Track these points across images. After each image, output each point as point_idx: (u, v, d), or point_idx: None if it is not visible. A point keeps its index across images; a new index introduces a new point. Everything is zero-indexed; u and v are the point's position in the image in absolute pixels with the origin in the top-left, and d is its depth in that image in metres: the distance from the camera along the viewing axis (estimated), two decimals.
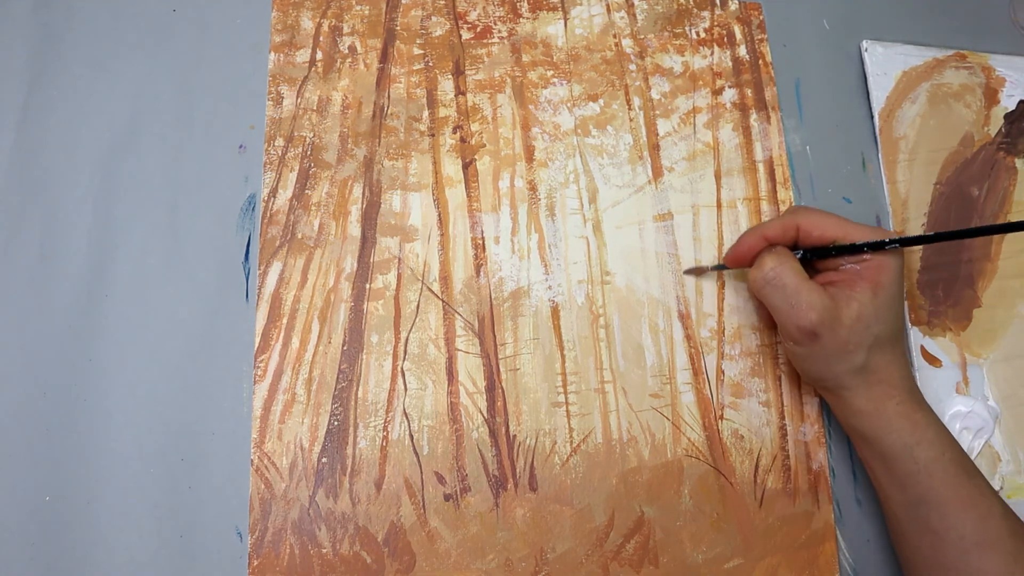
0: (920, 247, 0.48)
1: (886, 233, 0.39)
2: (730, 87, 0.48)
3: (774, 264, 0.39)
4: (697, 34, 0.49)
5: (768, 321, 0.44)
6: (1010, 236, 0.49)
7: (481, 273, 0.42)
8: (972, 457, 0.45)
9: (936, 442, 0.37)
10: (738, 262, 0.42)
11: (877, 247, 0.39)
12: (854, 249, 0.39)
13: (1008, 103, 0.52)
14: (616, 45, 0.48)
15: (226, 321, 0.40)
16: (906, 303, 0.47)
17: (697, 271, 0.45)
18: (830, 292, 0.38)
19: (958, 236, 0.39)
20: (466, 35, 0.46)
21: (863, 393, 0.38)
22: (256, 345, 0.39)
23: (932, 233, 0.38)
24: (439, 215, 0.43)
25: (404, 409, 0.40)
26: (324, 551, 0.37)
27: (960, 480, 0.36)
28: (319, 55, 0.44)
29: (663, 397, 0.42)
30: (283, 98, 0.43)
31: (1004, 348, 0.47)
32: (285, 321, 0.40)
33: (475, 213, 0.43)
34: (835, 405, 0.40)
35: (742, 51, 0.49)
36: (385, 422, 0.39)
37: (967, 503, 0.36)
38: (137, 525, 0.36)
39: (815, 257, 0.40)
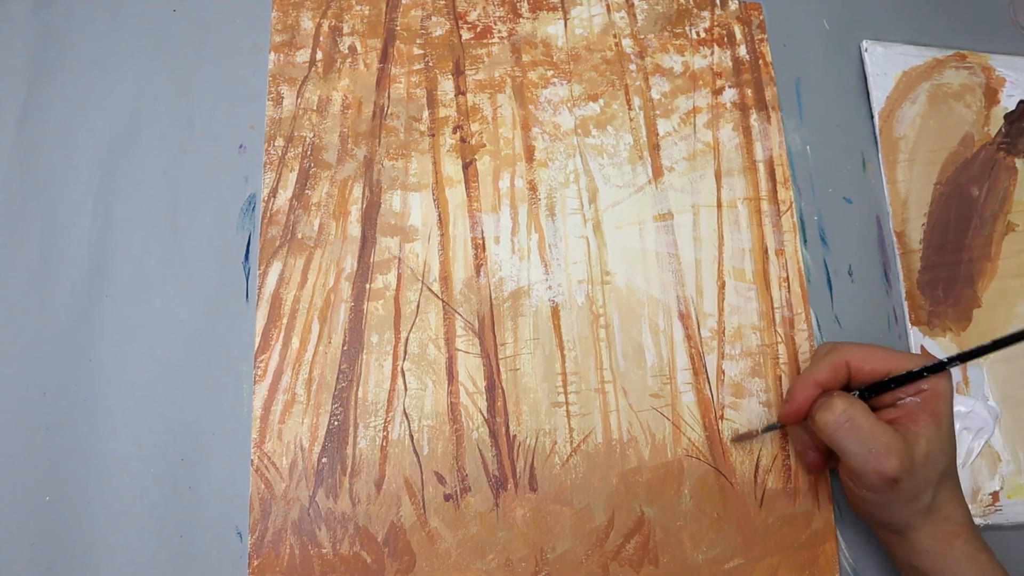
0: (920, 257, 0.48)
1: (934, 358, 0.37)
2: (730, 87, 0.48)
3: (845, 407, 0.36)
4: (697, 34, 0.49)
5: (768, 320, 0.44)
6: (1010, 236, 0.49)
7: (481, 273, 0.42)
8: (972, 457, 0.45)
9: None
10: (797, 417, 0.39)
11: (936, 369, 0.37)
12: (912, 377, 0.37)
13: (1008, 103, 0.52)
14: (616, 45, 0.48)
15: (226, 321, 0.40)
16: (906, 304, 0.47)
17: (748, 436, 0.42)
18: (898, 428, 0.36)
19: (1010, 343, 0.36)
20: (466, 35, 0.46)
21: (930, 532, 0.37)
22: (256, 345, 0.39)
23: (989, 342, 0.36)
24: (439, 215, 0.43)
25: (404, 409, 0.40)
26: (324, 551, 0.37)
27: None
28: (319, 55, 0.44)
29: (663, 397, 0.42)
30: (283, 98, 0.43)
31: (1004, 348, 0.47)
32: (285, 321, 0.40)
33: (475, 213, 0.43)
34: (897, 546, 0.38)
35: (742, 51, 0.49)
36: (385, 422, 0.39)
37: None
38: (137, 525, 0.36)
39: (872, 394, 0.38)
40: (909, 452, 0.36)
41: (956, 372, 0.46)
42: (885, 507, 0.37)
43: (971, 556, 0.36)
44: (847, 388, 0.39)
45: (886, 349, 0.39)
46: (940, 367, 0.37)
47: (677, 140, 0.47)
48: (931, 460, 0.36)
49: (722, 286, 0.45)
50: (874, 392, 0.38)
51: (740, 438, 0.42)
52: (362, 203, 0.42)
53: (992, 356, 0.47)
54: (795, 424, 0.40)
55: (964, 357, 0.37)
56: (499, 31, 0.47)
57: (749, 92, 0.48)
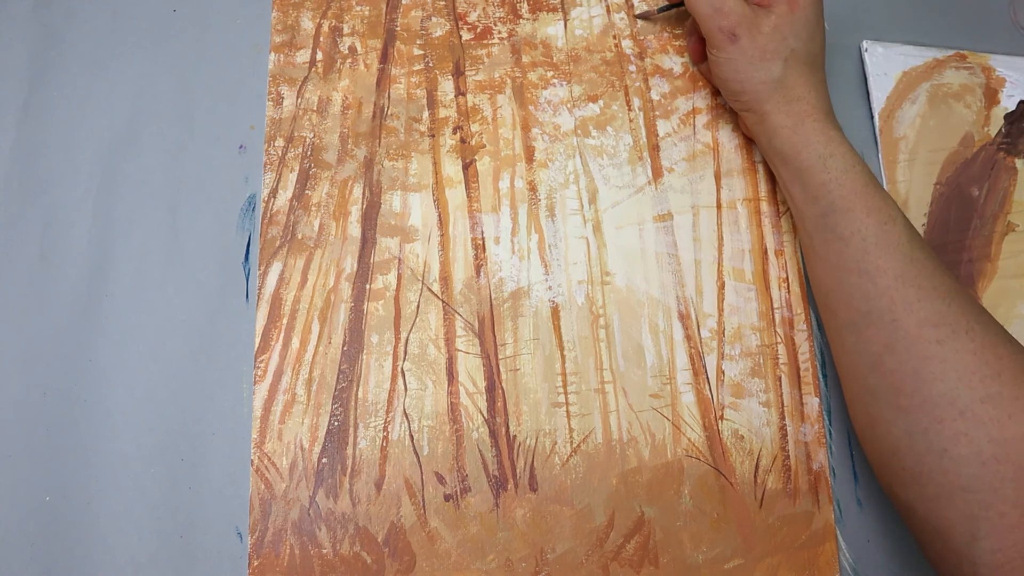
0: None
1: None
2: None
3: None
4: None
5: (768, 320, 0.44)
6: (1010, 236, 0.49)
7: (481, 273, 0.42)
8: None
9: (848, 155, 0.40)
10: None
11: None
12: None
13: (1008, 103, 0.52)
14: (616, 46, 0.48)
15: (226, 321, 0.40)
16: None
17: (647, 15, 0.48)
18: (752, 7, 0.42)
19: None
20: (466, 36, 0.46)
21: (782, 108, 0.41)
22: (256, 345, 0.39)
23: None
24: (439, 215, 0.43)
25: (404, 409, 0.40)
26: (324, 551, 0.37)
27: (868, 190, 0.39)
28: (319, 55, 0.44)
29: (663, 397, 0.42)
30: (283, 98, 0.43)
31: None
32: (285, 321, 0.40)
33: (475, 214, 0.43)
34: (758, 128, 0.43)
35: None
36: (385, 422, 0.39)
37: (871, 209, 0.38)
38: (137, 525, 0.36)
39: None
40: (753, 18, 0.41)
41: None
42: (732, 67, 0.42)
43: (820, 131, 0.40)
44: None
45: None
46: None
47: (677, 141, 0.47)
48: (778, 33, 0.41)
49: (722, 286, 0.45)
50: None
51: (642, 15, 0.48)
52: (362, 203, 0.42)
53: None
54: (676, 1, 0.46)
55: None
56: (499, 32, 0.47)
57: None
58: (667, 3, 0.47)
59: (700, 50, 0.46)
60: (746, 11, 0.41)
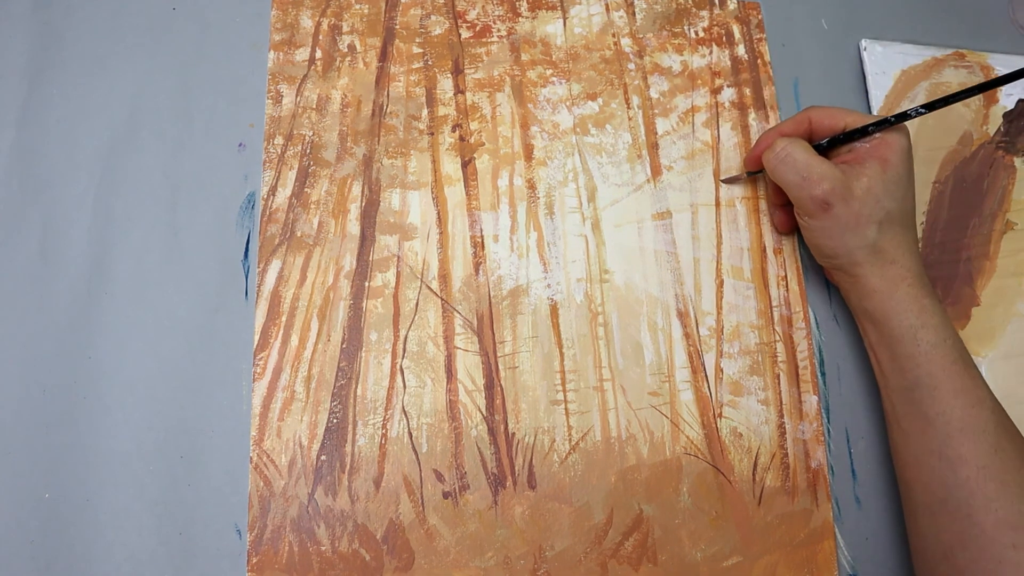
0: (922, 239, 0.48)
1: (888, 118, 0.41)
2: (729, 86, 0.48)
3: (784, 144, 0.41)
4: (696, 33, 0.49)
5: (767, 318, 0.44)
6: (1008, 234, 0.50)
7: (480, 271, 0.42)
8: None
9: (940, 328, 0.38)
10: (755, 162, 0.44)
11: (882, 124, 0.40)
12: (862, 132, 0.40)
13: (1007, 102, 0.52)
14: (615, 44, 0.48)
15: (225, 319, 0.40)
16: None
17: (732, 180, 0.46)
18: (841, 168, 0.40)
19: (953, 100, 0.40)
20: (465, 34, 0.46)
21: (877, 272, 0.39)
22: (255, 343, 0.39)
23: (928, 102, 0.40)
24: (438, 213, 0.43)
25: (403, 407, 0.40)
26: (323, 549, 0.37)
27: (956, 368, 0.37)
28: (318, 54, 0.44)
29: (662, 395, 0.42)
30: (282, 96, 0.43)
31: (1003, 346, 0.47)
32: (284, 319, 0.40)
33: (474, 211, 0.43)
34: (849, 286, 0.41)
35: (741, 50, 0.49)
36: (384, 420, 0.39)
37: (959, 390, 0.37)
38: (136, 522, 0.36)
39: (829, 146, 0.42)
40: (845, 183, 0.39)
41: None
42: (826, 234, 0.40)
43: (914, 298, 0.39)
44: (809, 141, 0.42)
45: (850, 110, 0.42)
46: (885, 122, 0.40)
47: (676, 139, 0.47)
48: (871, 196, 0.39)
49: (720, 284, 0.45)
50: (830, 144, 0.42)
51: (728, 180, 0.46)
52: (361, 201, 0.42)
53: (991, 354, 0.47)
54: (755, 169, 0.44)
55: (900, 117, 0.40)
56: (498, 30, 0.47)
57: (748, 91, 0.48)
58: (748, 170, 0.46)
59: (786, 220, 0.45)
60: (836, 175, 0.39)
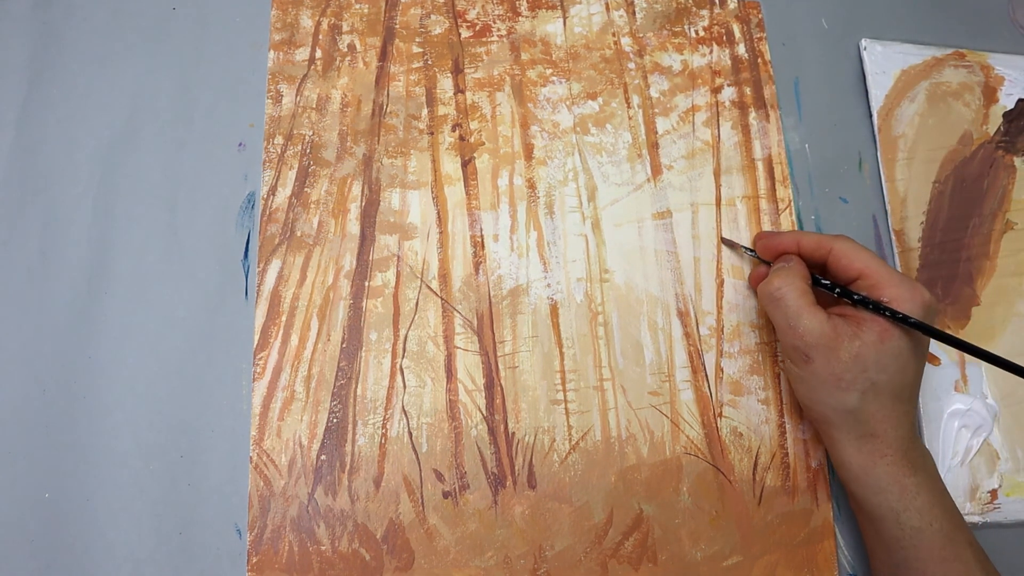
0: (919, 256, 0.48)
1: (914, 290, 0.37)
2: (729, 85, 0.48)
3: (780, 284, 0.39)
4: (696, 32, 0.49)
5: (767, 318, 0.44)
6: (1008, 234, 0.50)
7: (480, 271, 0.42)
8: (971, 455, 0.45)
9: (925, 511, 0.36)
10: (766, 253, 0.43)
11: (897, 318, 0.37)
12: (876, 308, 0.37)
13: (1007, 102, 0.52)
14: (615, 43, 0.48)
15: (225, 319, 0.40)
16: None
17: (731, 244, 0.45)
18: (834, 322, 0.37)
19: (975, 353, 0.36)
20: (465, 33, 0.46)
21: (853, 442, 0.37)
22: (255, 342, 0.39)
23: (951, 335, 0.36)
24: (438, 213, 0.43)
25: (403, 406, 0.40)
26: (323, 548, 0.37)
27: (945, 553, 0.35)
28: (318, 53, 0.44)
29: (662, 395, 0.42)
30: (282, 96, 0.43)
31: (1003, 346, 0.47)
32: (284, 319, 0.40)
33: (474, 211, 0.43)
34: (828, 445, 0.40)
35: (741, 50, 0.49)
36: (384, 419, 0.39)
37: (947, 573, 0.35)
38: (136, 522, 0.36)
39: (841, 296, 0.39)
40: (832, 342, 0.36)
41: (955, 370, 0.46)
42: (804, 385, 0.38)
43: (894, 478, 0.36)
44: (821, 272, 0.41)
45: (874, 257, 0.38)
46: (904, 320, 0.36)
47: (676, 138, 0.47)
48: (857, 363, 0.36)
49: (721, 284, 0.45)
50: (840, 296, 0.39)
51: (727, 242, 0.45)
52: (361, 201, 0.42)
53: None
54: (763, 258, 0.43)
55: (924, 328, 0.36)
56: (498, 29, 0.47)
57: (748, 91, 0.48)
58: (753, 250, 0.44)
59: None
60: (824, 332, 0.36)
